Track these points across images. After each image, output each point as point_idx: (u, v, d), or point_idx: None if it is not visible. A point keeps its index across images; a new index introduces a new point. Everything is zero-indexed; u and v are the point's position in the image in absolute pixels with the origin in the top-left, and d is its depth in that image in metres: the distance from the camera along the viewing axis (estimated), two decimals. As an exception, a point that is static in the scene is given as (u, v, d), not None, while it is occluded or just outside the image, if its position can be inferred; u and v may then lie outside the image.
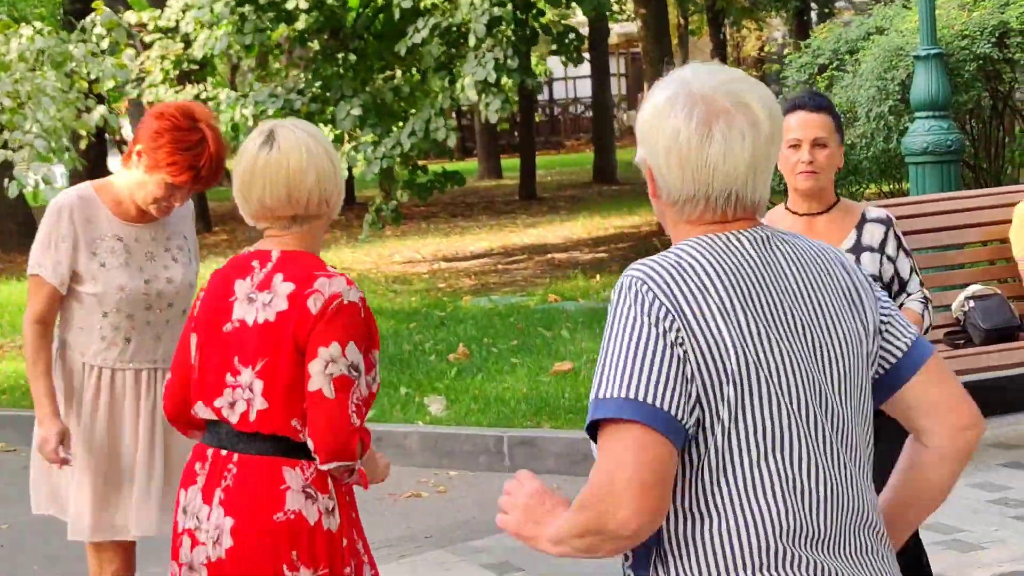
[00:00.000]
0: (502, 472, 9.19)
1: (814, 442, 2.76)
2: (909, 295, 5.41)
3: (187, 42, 17.72)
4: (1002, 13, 11.59)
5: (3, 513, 8.90)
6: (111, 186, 5.35)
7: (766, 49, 43.84)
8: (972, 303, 8.69)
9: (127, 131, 39.86)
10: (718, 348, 2.70)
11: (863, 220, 5.39)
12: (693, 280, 2.75)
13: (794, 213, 5.44)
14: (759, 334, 2.73)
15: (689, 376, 2.68)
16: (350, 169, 16.65)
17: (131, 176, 5.25)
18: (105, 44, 13.05)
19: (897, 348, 2.94)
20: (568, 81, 50.73)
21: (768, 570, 2.72)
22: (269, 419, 4.04)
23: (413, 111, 16.98)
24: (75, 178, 33.69)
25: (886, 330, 2.94)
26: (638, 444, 2.64)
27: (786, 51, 41.70)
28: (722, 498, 2.73)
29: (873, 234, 5.36)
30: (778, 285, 2.79)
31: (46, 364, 5.26)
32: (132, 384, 5.34)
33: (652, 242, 19.38)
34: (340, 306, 4.01)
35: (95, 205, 5.31)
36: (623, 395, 2.66)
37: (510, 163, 36.80)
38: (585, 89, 48.88)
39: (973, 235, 9.06)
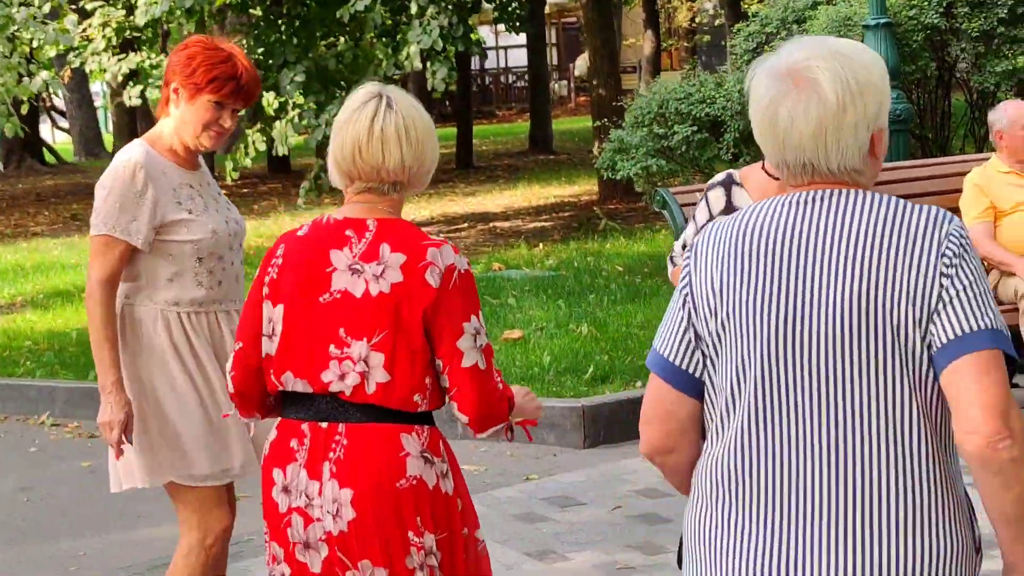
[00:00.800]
0: (455, 440, 9.15)
1: (775, 395, 2.98)
2: None
3: (129, 9, 17.55)
4: (949, -17, 11.67)
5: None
6: (161, 138, 5.29)
7: (697, 20, 43.87)
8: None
9: (59, 101, 39.39)
10: (704, 303, 3.07)
11: None
12: (715, 242, 3.10)
13: (769, 175, 5.46)
14: (739, 293, 3.02)
15: (688, 326, 3.10)
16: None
17: (173, 118, 5.23)
18: (47, 9, 12.92)
19: (944, 335, 2.94)
20: (500, 51, 50.66)
21: (713, 510, 3.07)
22: (391, 392, 3.99)
23: (356, 78, 16.89)
24: (8, 145, 33.38)
25: (941, 310, 2.94)
26: (650, 386, 3.17)
27: (717, 22, 41.83)
28: (710, 437, 3.12)
29: None
30: (788, 245, 3.01)
31: (115, 329, 5.17)
32: (227, 325, 5.28)
33: (593, 211, 19.39)
34: (460, 276, 4.01)
35: (158, 158, 5.24)
36: (654, 345, 3.17)
37: (442, 132, 36.70)
38: (516, 59, 48.82)
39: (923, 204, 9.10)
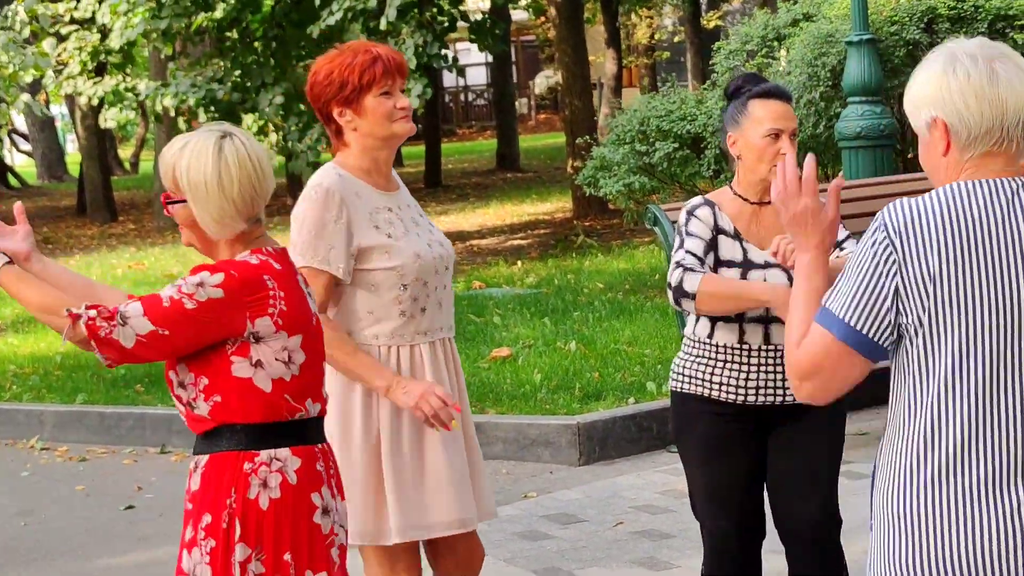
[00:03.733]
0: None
1: (998, 373, 3.24)
2: (843, 248, 5.16)
3: (104, 33, 17.53)
4: (930, -1, 11.74)
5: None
6: (351, 161, 5.01)
7: (656, 37, 44.02)
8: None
9: (20, 124, 39.06)
10: (919, 287, 3.24)
11: None
12: (929, 227, 3.26)
13: (743, 199, 5.22)
14: (959, 281, 3.24)
15: (892, 306, 3.26)
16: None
17: (356, 140, 4.98)
18: (27, 33, 12.90)
19: None
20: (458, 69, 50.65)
21: (944, 474, 3.25)
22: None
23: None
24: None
25: None
26: (830, 347, 3.31)
27: (676, 39, 41.84)
28: (920, 404, 3.30)
29: None
30: (1004, 237, 3.26)
31: (352, 342, 4.92)
32: (430, 357, 5.01)
33: (573, 225, 19.44)
34: None
35: (352, 179, 4.97)
36: (834, 312, 3.32)
37: (410, 151, 36.74)
38: (474, 77, 48.85)
39: (911, 218, 9.15)
